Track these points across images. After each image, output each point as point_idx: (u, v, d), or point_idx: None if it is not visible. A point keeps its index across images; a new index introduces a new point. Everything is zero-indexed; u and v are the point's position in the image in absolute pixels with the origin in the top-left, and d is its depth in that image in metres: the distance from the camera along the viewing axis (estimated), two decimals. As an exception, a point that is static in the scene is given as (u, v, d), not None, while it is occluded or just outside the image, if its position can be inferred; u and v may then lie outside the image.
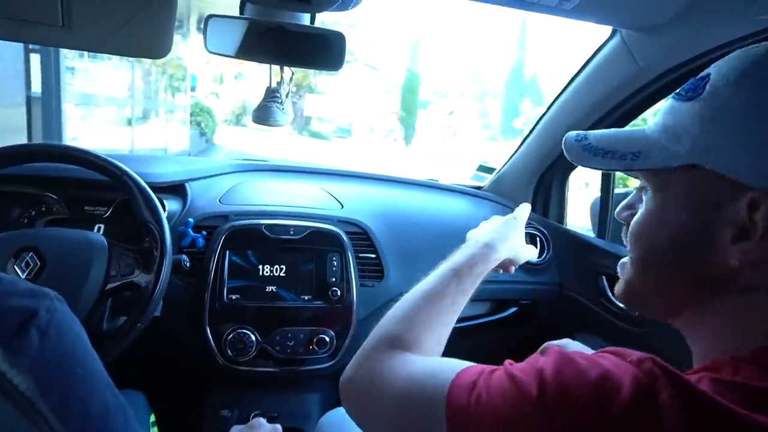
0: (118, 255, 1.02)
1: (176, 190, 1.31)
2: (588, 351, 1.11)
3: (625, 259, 0.58)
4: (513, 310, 1.49)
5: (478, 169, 1.98)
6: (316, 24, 1.05)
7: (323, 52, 1.02)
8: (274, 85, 1.04)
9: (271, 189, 1.45)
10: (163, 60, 9.31)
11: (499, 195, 1.73)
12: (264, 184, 1.48)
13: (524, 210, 0.99)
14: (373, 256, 1.31)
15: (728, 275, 0.47)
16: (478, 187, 1.82)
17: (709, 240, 0.48)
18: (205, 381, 1.33)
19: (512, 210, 1.66)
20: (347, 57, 1.02)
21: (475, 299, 1.47)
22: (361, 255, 1.30)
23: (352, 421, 1.04)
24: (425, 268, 1.36)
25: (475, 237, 0.89)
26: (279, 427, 1.03)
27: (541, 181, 1.63)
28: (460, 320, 1.43)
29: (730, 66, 0.48)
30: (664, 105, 0.55)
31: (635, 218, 0.54)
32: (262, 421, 1.01)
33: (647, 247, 0.53)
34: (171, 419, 1.22)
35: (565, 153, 0.59)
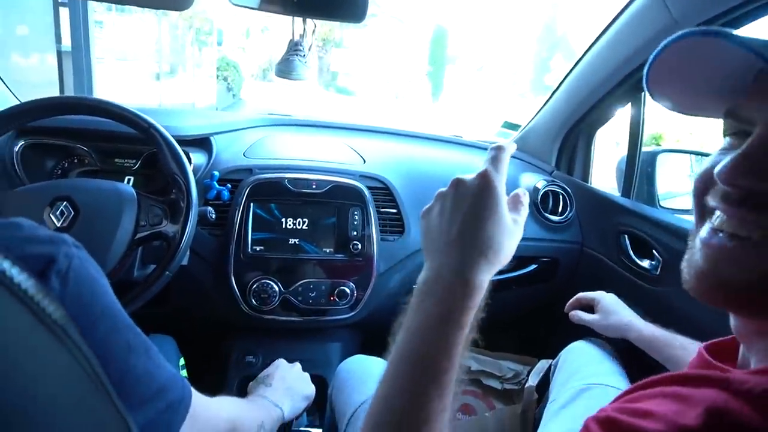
0: (146, 206, 1.06)
1: (202, 143, 1.34)
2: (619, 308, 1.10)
3: (723, 238, 0.43)
4: (533, 266, 1.49)
5: (503, 126, 1.95)
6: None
7: (346, 3, 1.00)
8: (296, 38, 1.03)
9: (294, 143, 1.46)
10: (189, 13, 9.23)
11: (524, 152, 1.72)
12: (287, 139, 1.49)
13: (505, 153, 0.60)
14: (394, 211, 1.33)
15: None
16: (503, 145, 1.80)
17: None
18: (231, 328, 1.39)
19: (539, 168, 1.66)
20: (372, 9, 1.00)
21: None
22: (382, 210, 1.31)
23: (369, 367, 1.08)
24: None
25: (438, 263, 0.56)
26: (298, 364, 1.09)
27: (566, 139, 1.60)
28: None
29: None
30: None
31: None
32: (282, 361, 1.10)
33: None
34: (200, 363, 1.28)
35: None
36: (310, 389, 1.09)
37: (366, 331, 1.47)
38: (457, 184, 0.59)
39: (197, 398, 0.64)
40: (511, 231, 0.57)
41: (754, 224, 0.41)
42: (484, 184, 0.56)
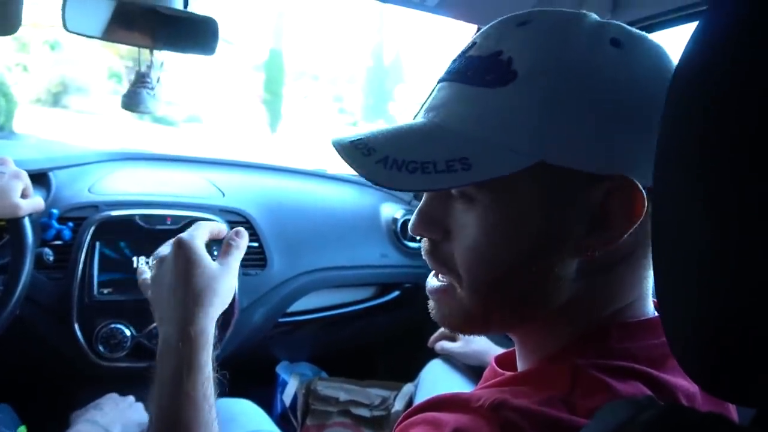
0: (-34, 250, 0.94)
1: (38, 179, 1.22)
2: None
3: (436, 283, 0.50)
4: (396, 293, 1.55)
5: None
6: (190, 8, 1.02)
7: (196, 36, 0.99)
8: (143, 69, 1.00)
9: (147, 178, 1.39)
10: None
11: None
12: (139, 174, 1.41)
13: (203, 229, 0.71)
14: (256, 244, 1.30)
15: (575, 268, 0.44)
16: (365, 176, 1.86)
17: (565, 238, 0.43)
18: (77, 381, 1.26)
19: (398, 198, 1.74)
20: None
21: (360, 284, 1.54)
22: (243, 244, 1.28)
23: (232, 410, 1.04)
24: (309, 255, 1.40)
25: (165, 330, 0.65)
26: (131, 397, 1.07)
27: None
28: (345, 305, 1.50)
29: (537, 44, 0.43)
30: (442, 92, 0.47)
31: (469, 241, 0.45)
32: (114, 394, 1.06)
33: (496, 267, 0.44)
34: (45, 427, 1.14)
35: (362, 174, 0.43)
36: (143, 417, 1.04)
37: (231, 369, 1.41)
38: (160, 260, 0.68)
39: None
40: (219, 275, 0.65)
41: (442, 268, 0.48)
42: (177, 248, 0.66)
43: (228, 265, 0.67)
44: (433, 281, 0.50)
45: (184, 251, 0.65)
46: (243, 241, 0.71)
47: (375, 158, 0.43)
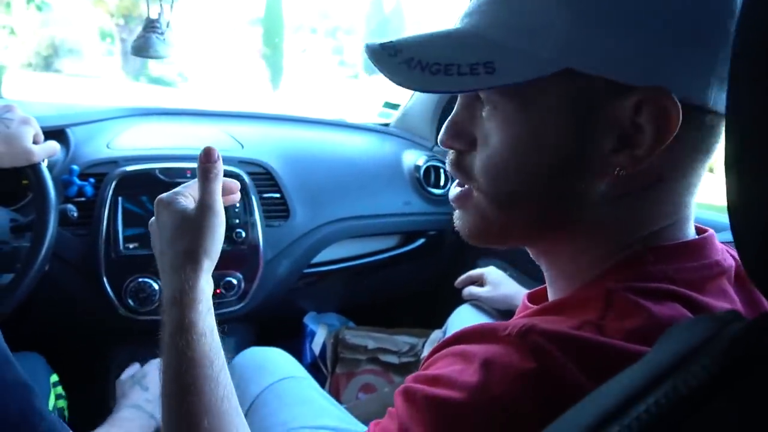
0: (-7, 208, 0.94)
1: (56, 136, 1.20)
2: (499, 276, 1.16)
3: (456, 190, 0.50)
4: (421, 241, 1.53)
5: (384, 106, 1.97)
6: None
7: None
8: (154, 15, 0.96)
9: (164, 133, 1.37)
10: None
11: (405, 131, 1.75)
12: (156, 128, 1.39)
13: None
14: (278, 195, 1.29)
15: (601, 189, 0.42)
16: (385, 125, 1.82)
17: (590, 154, 0.41)
18: (109, 335, 1.28)
19: (420, 145, 1.70)
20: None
21: (384, 233, 1.52)
22: (265, 195, 1.27)
23: (263, 358, 1.05)
24: (332, 205, 1.38)
25: (163, 291, 0.65)
26: None
27: (444, 115, 1.65)
28: (370, 255, 1.49)
29: None
30: None
31: (491, 150, 0.44)
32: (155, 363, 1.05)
33: (516, 179, 0.44)
34: (78, 378, 1.17)
35: (384, 74, 0.44)
36: None
37: (259, 321, 1.43)
38: (150, 225, 0.68)
39: None
40: (199, 227, 0.62)
41: (464, 177, 0.48)
42: (155, 212, 0.66)
43: (208, 208, 0.63)
44: (455, 189, 0.51)
45: (159, 215, 0.65)
46: (217, 164, 0.66)
47: (399, 59, 0.43)
